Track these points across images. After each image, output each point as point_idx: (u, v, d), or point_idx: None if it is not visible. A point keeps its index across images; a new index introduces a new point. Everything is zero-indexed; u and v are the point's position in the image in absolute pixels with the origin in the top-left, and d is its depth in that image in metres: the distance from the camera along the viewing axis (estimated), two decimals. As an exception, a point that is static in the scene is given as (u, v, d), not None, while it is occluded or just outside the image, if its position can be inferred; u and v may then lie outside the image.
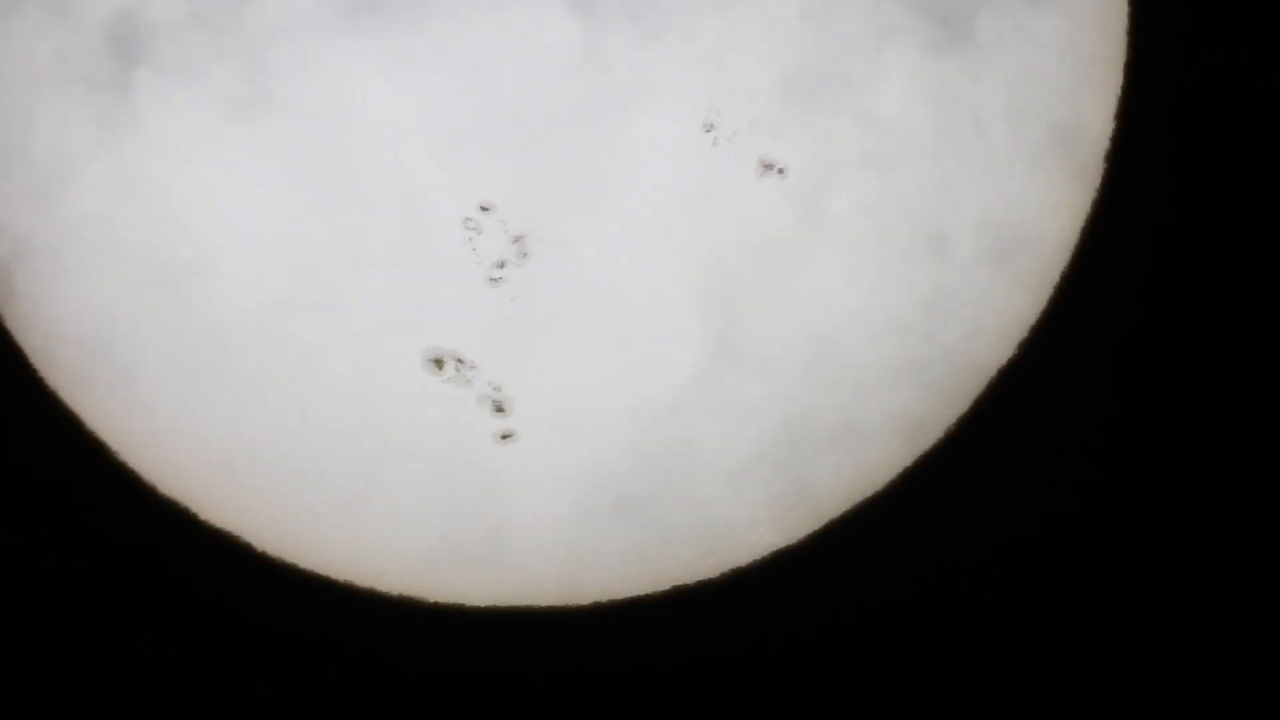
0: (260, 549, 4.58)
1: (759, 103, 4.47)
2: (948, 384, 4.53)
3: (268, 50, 4.52)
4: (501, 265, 4.43)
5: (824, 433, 4.53)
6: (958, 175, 4.49)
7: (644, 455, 4.50)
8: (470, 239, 4.43)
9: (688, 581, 4.59)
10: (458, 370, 4.42)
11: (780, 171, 4.44)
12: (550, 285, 4.50)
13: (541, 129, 4.50)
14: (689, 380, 4.50)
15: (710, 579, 4.57)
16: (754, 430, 4.51)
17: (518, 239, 4.44)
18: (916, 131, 4.48)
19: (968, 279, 4.49)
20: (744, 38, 4.48)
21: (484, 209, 4.42)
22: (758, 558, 4.57)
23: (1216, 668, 4.63)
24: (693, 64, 4.47)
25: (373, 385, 4.51)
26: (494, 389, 4.44)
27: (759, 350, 4.50)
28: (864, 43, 4.48)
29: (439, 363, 4.43)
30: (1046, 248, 4.54)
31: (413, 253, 4.49)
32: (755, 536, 4.57)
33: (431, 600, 4.60)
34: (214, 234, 4.52)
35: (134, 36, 4.52)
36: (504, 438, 4.45)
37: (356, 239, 4.49)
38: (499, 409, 4.43)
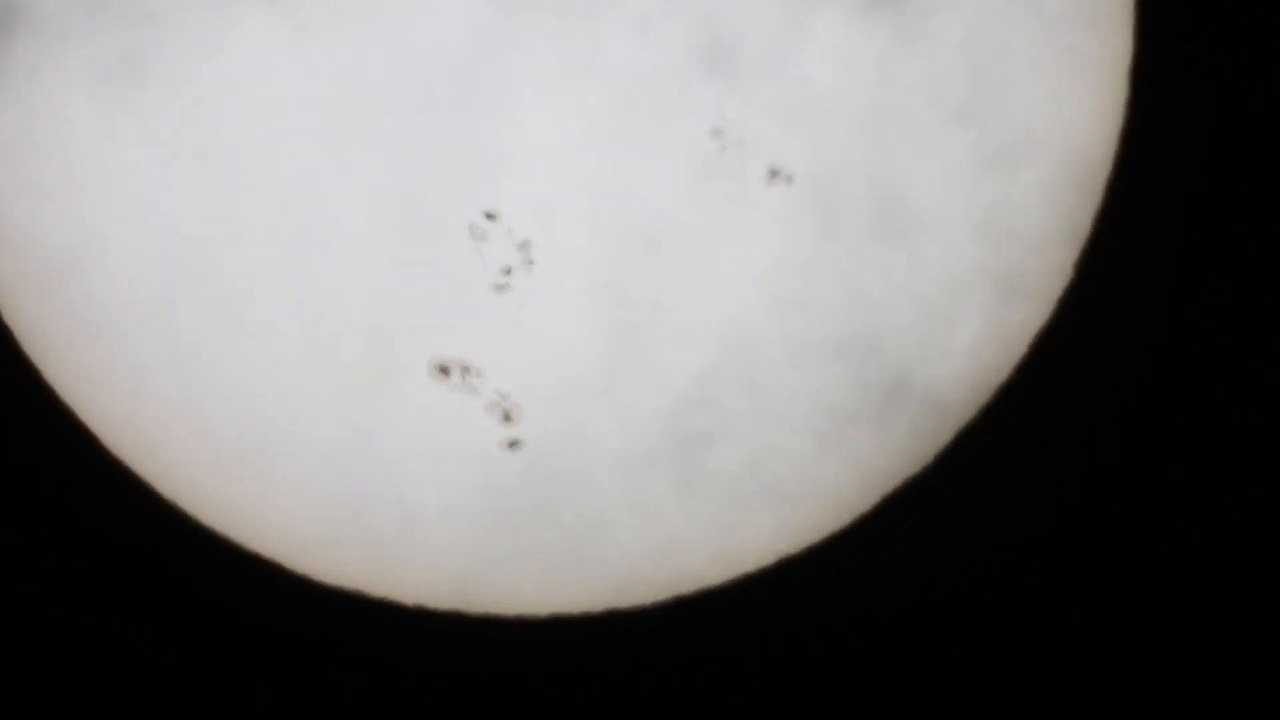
0: (252, 549, 4.56)
1: (677, 76, 4.41)
2: (871, 376, 4.50)
3: (154, 20, 4.41)
4: (508, 271, 4.40)
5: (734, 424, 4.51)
6: (880, 151, 4.44)
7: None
8: (477, 246, 4.40)
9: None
10: (463, 379, 4.40)
11: (788, 179, 4.41)
12: (463, 274, 4.44)
13: (438, 109, 4.42)
14: (598, 373, 4.46)
15: (718, 585, 4.58)
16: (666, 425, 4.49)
17: (522, 245, 4.41)
18: (841, 104, 4.42)
19: (865, 256, 4.45)
20: (661, 7, 4.40)
21: (490, 216, 4.39)
22: (763, 565, 4.57)
23: (1216, 668, 4.64)
24: (607, 36, 4.40)
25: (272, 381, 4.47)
26: (501, 397, 4.42)
27: (668, 344, 4.46)
28: (788, 5, 4.41)
29: (445, 370, 4.40)
30: (948, 224, 4.50)
31: (324, 241, 4.43)
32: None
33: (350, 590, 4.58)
34: (97, 221, 4.43)
35: (12, 4, 4.41)
36: (511, 445, 4.44)
37: (239, 223, 4.41)
38: (506, 417, 4.41)
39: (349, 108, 4.41)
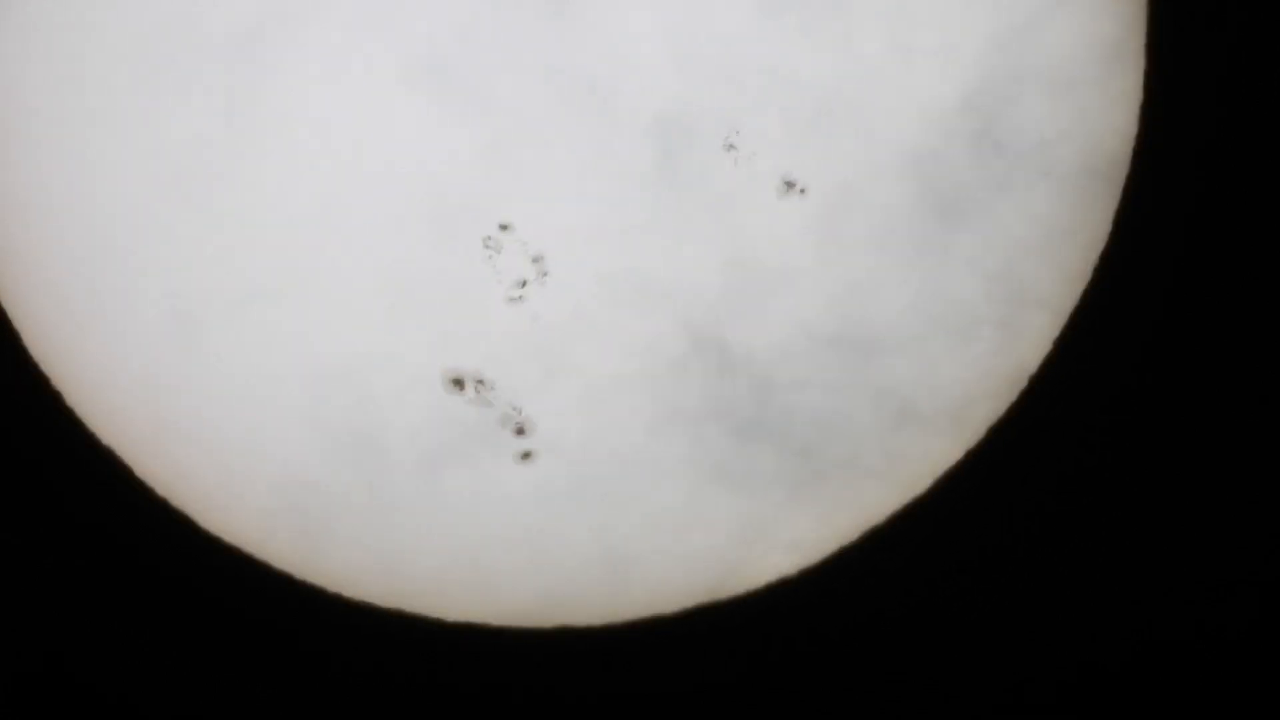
0: (255, 554, 4.55)
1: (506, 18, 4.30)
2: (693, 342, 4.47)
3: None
4: (523, 284, 4.37)
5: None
6: (724, 99, 4.36)
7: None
8: (490, 257, 4.37)
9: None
10: (477, 392, 4.37)
11: (801, 191, 4.38)
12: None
13: (228, 62, 4.30)
14: (396, 353, 4.41)
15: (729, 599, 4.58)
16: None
17: (537, 259, 4.38)
18: (692, 51, 4.33)
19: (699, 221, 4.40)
20: None
21: (503, 228, 4.36)
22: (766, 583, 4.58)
23: (1216, 668, 4.68)
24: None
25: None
26: (514, 410, 4.40)
27: (472, 322, 4.40)
28: None
29: (459, 383, 4.38)
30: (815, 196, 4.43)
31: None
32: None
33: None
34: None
35: None
36: (524, 457, 4.42)
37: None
38: (520, 430, 4.39)
39: (127, 59, 4.26)
